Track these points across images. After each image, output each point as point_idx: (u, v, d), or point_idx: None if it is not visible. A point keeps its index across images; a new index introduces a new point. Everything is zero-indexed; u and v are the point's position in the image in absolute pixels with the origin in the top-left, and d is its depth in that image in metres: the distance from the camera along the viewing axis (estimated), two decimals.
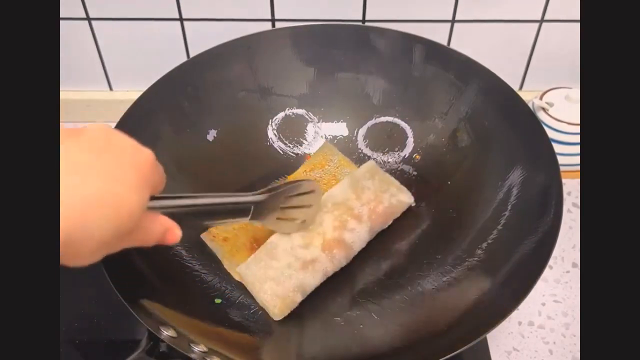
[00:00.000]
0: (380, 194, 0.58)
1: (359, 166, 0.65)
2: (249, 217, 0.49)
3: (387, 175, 0.60)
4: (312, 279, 0.53)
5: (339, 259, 0.54)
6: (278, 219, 0.52)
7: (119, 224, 0.34)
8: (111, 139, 0.36)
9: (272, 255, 0.53)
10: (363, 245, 0.56)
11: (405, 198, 0.59)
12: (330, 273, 0.54)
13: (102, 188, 0.33)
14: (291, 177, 0.63)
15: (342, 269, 0.55)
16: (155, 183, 0.39)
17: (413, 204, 0.59)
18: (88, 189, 0.32)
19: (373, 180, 0.59)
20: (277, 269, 0.52)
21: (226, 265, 0.55)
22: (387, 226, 0.58)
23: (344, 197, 0.57)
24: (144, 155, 0.38)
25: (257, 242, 0.56)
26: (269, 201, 0.50)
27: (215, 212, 0.47)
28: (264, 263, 0.53)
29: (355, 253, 0.55)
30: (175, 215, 0.41)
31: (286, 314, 0.51)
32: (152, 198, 0.40)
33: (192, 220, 0.47)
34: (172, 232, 0.41)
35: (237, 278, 0.54)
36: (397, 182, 0.60)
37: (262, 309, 0.53)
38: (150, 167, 0.38)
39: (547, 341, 0.56)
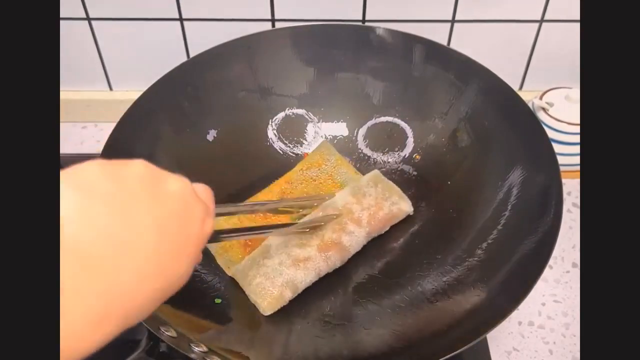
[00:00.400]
0: (381, 201, 0.58)
1: (357, 167, 0.65)
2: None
3: (391, 184, 0.60)
4: (304, 276, 0.53)
5: (333, 261, 0.54)
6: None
7: (165, 297, 0.30)
8: (156, 184, 0.29)
9: (265, 254, 0.54)
10: (359, 248, 0.56)
11: (405, 207, 0.59)
12: (323, 273, 0.54)
13: (153, 267, 0.28)
14: (287, 176, 0.63)
15: (340, 268, 0.55)
16: (207, 236, 0.33)
17: (411, 213, 0.59)
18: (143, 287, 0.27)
19: (376, 187, 0.59)
20: (269, 266, 0.53)
21: (220, 261, 0.56)
22: (383, 232, 0.58)
23: (344, 201, 0.57)
24: (205, 232, 0.32)
25: (250, 239, 0.57)
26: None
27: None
28: (257, 261, 0.54)
29: (351, 255, 0.56)
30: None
31: (275, 309, 0.52)
32: None
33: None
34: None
35: (229, 274, 0.55)
36: (399, 191, 0.60)
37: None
38: (207, 237, 0.33)
39: (547, 341, 0.56)
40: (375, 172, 0.61)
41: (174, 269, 0.29)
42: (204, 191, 0.34)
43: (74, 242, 0.24)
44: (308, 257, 0.53)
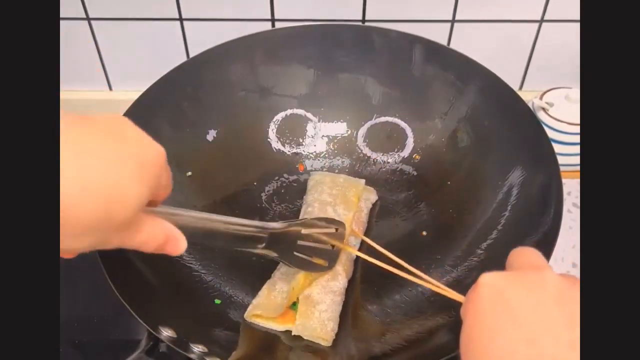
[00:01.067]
0: (357, 201, 0.58)
1: (357, 167, 0.65)
2: (263, 246, 0.45)
3: (341, 178, 0.60)
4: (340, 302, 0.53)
5: (350, 273, 0.55)
6: (295, 253, 0.48)
7: (109, 209, 0.31)
8: (123, 129, 0.34)
9: (313, 302, 0.51)
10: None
11: (373, 197, 0.60)
12: None
13: (97, 169, 0.31)
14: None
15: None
16: (160, 184, 0.36)
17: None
18: (83, 169, 0.30)
19: (337, 188, 0.58)
20: (327, 309, 0.51)
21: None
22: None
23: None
24: (154, 150, 0.35)
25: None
26: (286, 233, 0.47)
27: (225, 235, 0.43)
28: (312, 312, 0.50)
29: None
30: (183, 230, 0.38)
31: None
32: (159, 205, 0.38)
33: (201, 240, 0.44)
34: (175, 242, 0.38)
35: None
36: (358, 181, 0.60)
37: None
38: (158, 164, 0.35)
39: None
40: (315, 175, 0.61)
41: (107, 166, 0.31)
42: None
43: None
44: (344, 285, 0.53)
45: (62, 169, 0.29)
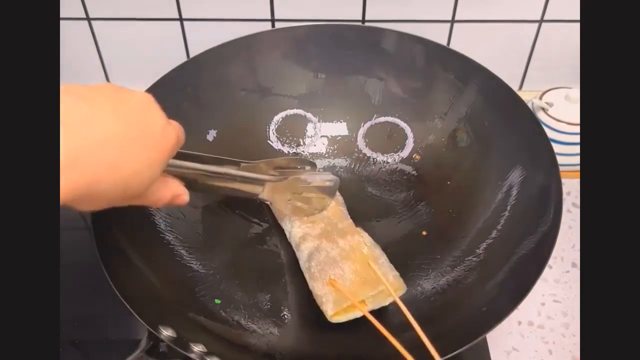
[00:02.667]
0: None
1: (357, 167, 0.65)
2: (260, 193, 0.53)
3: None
4: None
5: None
6: (289, 201, 0.54)
7: (127, 190, 0.35)
8: (145, 114, 0.37)
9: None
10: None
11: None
12: None
13: (117, 158, 0.34)
14: None
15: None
16: (172, 151, 0.40)
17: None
18: (104, 159, 0.33)
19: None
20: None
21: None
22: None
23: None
24: (169, 136, 0.39)
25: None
26: (284, 185, 0.52)
27: (225, 179, 0.50)
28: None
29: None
30: (186, 178, 0.45)
31: None
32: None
33: (203, 187, 0.49)
34: (180, 198, 0.43)
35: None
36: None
37: (260, 310, 0.53)
38: (172, 145, 0.39)
39: (546, 341, 0.56)
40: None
41: (131, 156, 0.35)
42: (175, 123, 0.40)
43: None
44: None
45: (87, 160, 0.32)
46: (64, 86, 0.33)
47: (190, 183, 0.45)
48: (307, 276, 0.52)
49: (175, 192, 0.43)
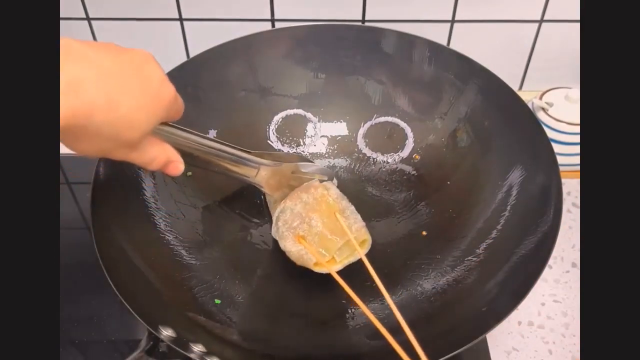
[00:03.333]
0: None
1: (357, 167, 0.65)
2: (253, 177, 0.54)
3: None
4: None
5: None
6: (282, 189, 0.56)
7: (121, 132, 0.37)
8: (145, 66, 0.39)
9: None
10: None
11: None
12: None
13: (115, 94, 0.35)
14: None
15: (341, 270, 0.55)
16: (169, 115, 0.42)
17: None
18: (102, 91, 0.34)
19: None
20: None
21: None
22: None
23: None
24: (167, 89, 0.40)
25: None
26: (277, 171, 0.55)
27: (221, 157, 0.51)
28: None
29: None
30: (183, 151, 0.45)
31: None
32: (164, 124, 0.44)
33: (198, 160, 0.49)
34: (174, 165, 0.44)
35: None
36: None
37: (259, 310, 0.53)
38: (169, 101, 0.40)
39: (546, 341, 0.56)
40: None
41: (128, 94, 0.36)
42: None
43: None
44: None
45: (86, 87, 0.33)
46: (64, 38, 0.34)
47: (185, 155, 0.46)
48: (278, 239, 0.53)
49: (171, 157, 0.44)
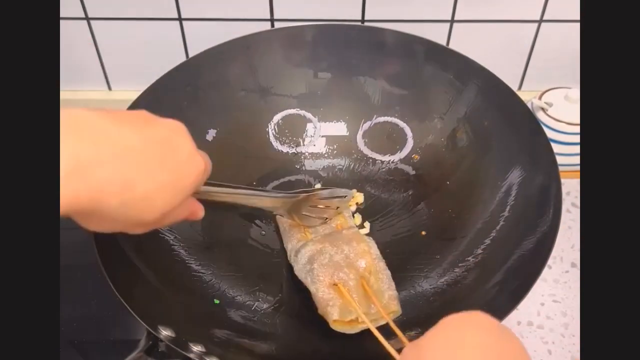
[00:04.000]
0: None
1: (357, 167, 0.65)
2: (276, 210, 0.54)
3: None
4: None
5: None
6: (304, 214, 0.55)
7: (136, 214, 0.33)
8: (173, 139, 0.35)
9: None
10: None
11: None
12: None
13: (132, 174, 0.32)
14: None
15: None
16: (196, 183, 0.37)
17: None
18: (117, 173, 0.31)
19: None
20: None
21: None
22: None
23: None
24: (194, 165, 0.36)
25: None
26: (297, 203, 0.54)
27: (247, 204, 0.52)
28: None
29: None
30: (204, 201, 0.43)
31: None
32: None
33: (220, 203, 0.49)
34: (195, 214, 0.42)
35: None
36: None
37: (259, 310, 0.53)
38: (196, 177, 0.37)
39: (546, 341, 0.56)
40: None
41: (147, 176, 0.32)
42: (203, 153, 0.38)
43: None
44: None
45: (94, 169, 0.30)
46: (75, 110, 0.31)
47: (204, 198, 0.44)
48: (307, 279, 0.50)
49: (192, 209, 0.41)
